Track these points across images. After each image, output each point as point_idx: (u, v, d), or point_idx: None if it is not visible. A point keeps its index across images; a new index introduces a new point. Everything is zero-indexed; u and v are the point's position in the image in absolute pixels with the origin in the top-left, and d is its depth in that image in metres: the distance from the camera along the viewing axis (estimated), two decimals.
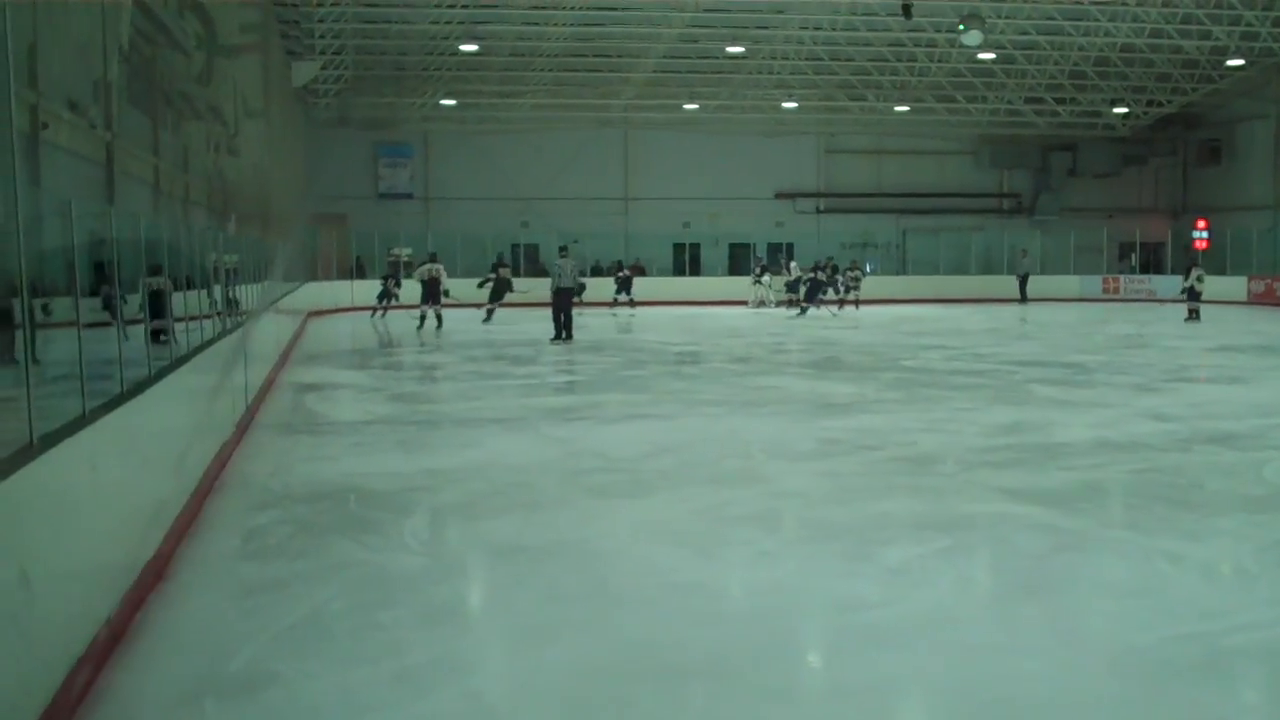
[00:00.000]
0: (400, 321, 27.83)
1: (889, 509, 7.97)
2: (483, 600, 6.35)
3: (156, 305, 6.39)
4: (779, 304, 34.29)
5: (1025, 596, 6.07)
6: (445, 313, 25.57)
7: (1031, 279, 38.98)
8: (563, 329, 22.15)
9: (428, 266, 25.88)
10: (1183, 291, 29.33)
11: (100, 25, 9.07)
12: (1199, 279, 28.73)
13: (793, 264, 34.97)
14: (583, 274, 24.04)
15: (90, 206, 6.98)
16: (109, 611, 5.12)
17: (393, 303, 30.45)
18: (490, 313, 28.69)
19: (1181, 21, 31.35)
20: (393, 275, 31.68)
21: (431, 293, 25.50)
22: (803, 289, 32.47)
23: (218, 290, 10.79)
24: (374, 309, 30.88)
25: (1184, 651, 5.17)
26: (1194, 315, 28.19)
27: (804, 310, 31.63)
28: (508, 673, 5.12)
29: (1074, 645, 5.32)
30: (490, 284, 29.08)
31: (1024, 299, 37.86)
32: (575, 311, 23.19)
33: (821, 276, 32.70)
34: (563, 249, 23.64)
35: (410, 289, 28.72)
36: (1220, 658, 5.15)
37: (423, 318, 25.86)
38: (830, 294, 32.90)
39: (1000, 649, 5.24)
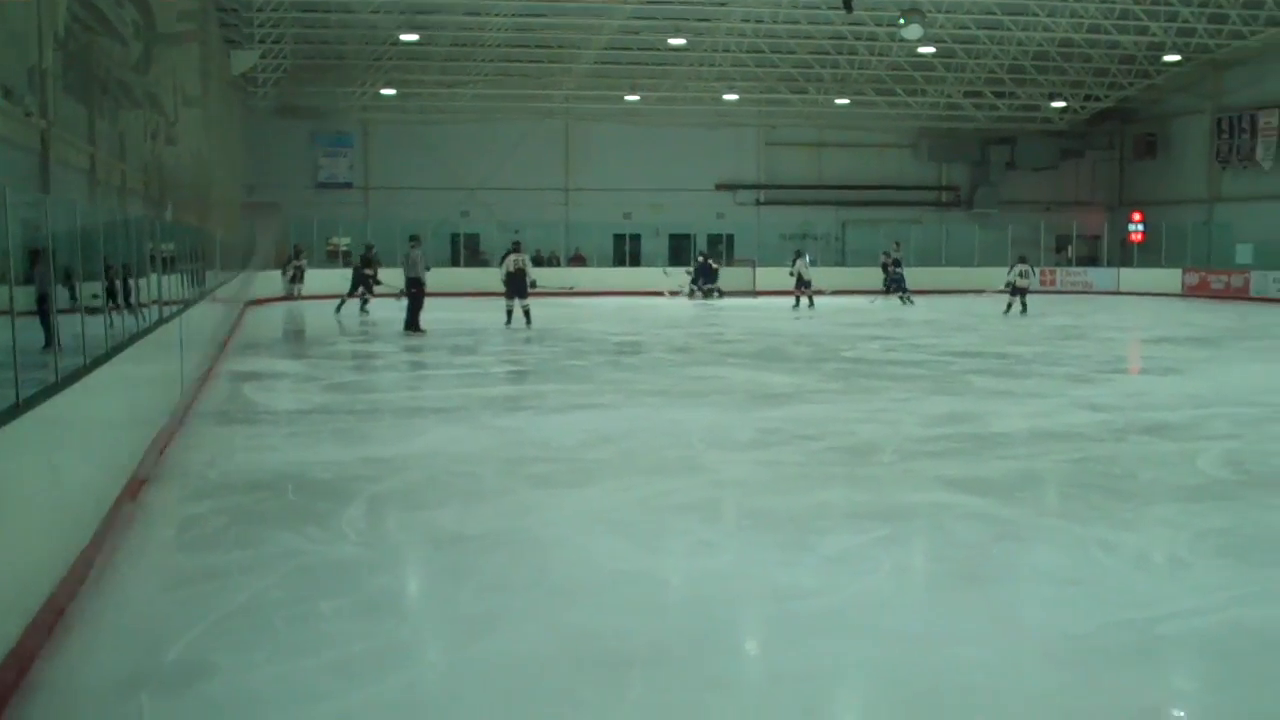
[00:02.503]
0: (378, 309, 26.91)
1: (828, 498, 8.03)
2: (422, 590, 6.33)
3: None
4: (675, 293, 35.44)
5: (963, 585, 6.13)
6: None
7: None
8: (413, 320, 21.61)
9: (512, 258, 22.71)
10: (1006, 285, 29.16)
11: (36, 13, 8.93)
12: (1021, 274, 28.86)
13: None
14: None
15: (25, 195, 6.88)
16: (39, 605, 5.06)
17: (375, 290, 27.87)
18: (342, 303, 28.00)
19: (1119, 17, 31.81)
20: (371, 263, 29.01)
21: (516, 286, 22.66)
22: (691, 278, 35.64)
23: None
24: (347, 299, 28.19)
25: (1118, 639, 5.25)
26: (1011, 309, 28.38)
27: (710, 294, 34.92)
28: (447, 662, 5.11)
29: (1010, 633, 5.39)
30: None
31: (889, 291, 37.14)
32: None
33: (714, 264, 35.87)
34: (412, 238, 22.82)
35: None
36: (1154, 645, 5.24)
37: (509, 312, 22.96)
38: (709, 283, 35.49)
39: (938, 637, 5.30)
